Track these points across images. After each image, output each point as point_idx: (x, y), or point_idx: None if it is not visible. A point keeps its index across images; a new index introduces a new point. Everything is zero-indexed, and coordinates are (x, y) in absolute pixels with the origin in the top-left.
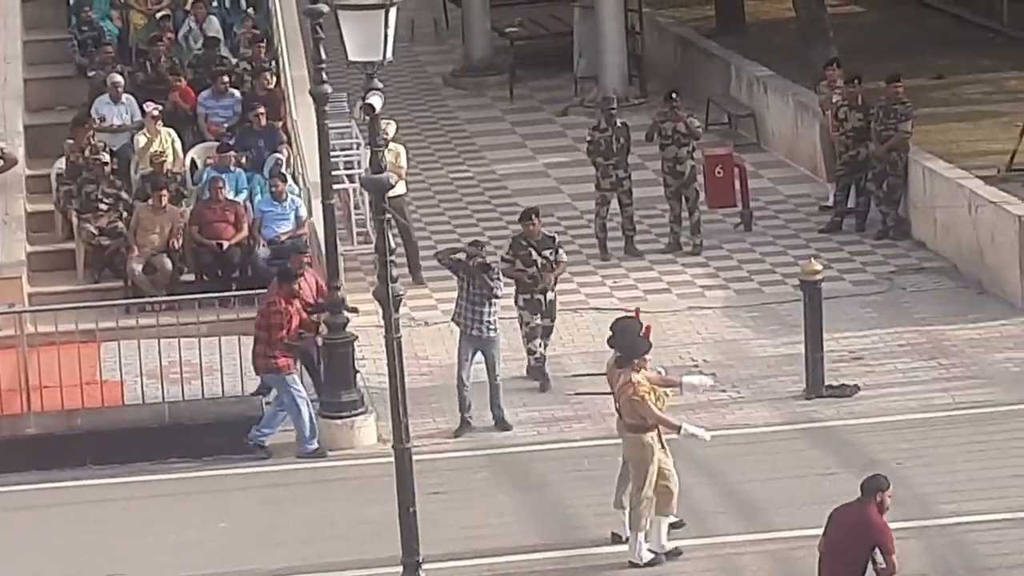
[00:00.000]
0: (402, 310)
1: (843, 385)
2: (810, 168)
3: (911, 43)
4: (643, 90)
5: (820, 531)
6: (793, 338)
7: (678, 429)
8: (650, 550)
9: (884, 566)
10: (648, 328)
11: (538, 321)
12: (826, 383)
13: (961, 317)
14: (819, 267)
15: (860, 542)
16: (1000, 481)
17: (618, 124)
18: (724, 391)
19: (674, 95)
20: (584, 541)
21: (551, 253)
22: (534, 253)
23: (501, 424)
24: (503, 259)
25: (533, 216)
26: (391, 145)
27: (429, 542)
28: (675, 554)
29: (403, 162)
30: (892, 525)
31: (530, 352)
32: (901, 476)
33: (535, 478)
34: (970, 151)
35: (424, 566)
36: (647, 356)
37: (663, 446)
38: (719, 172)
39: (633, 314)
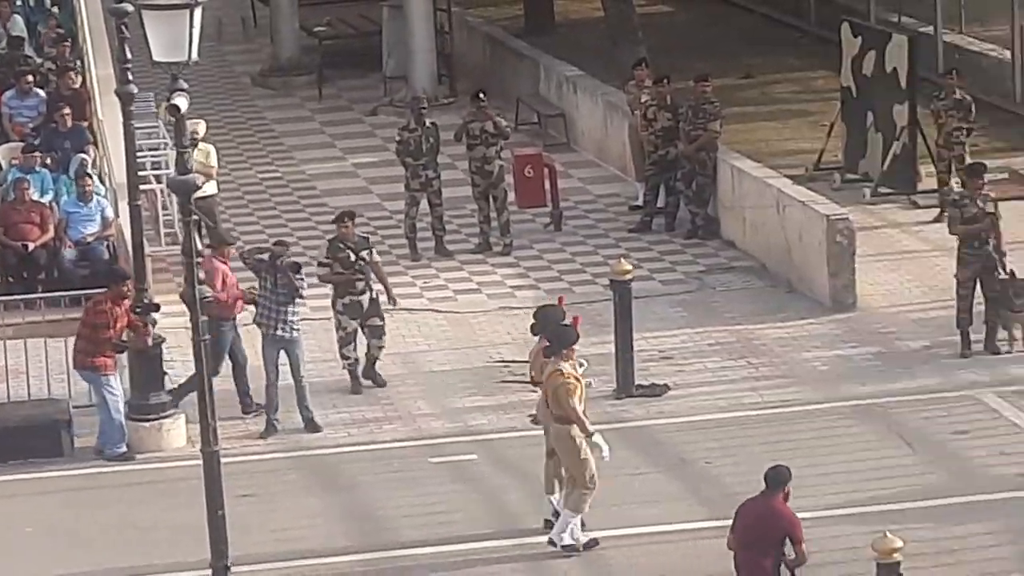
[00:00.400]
0: None
1: (653, 385)
2: (620, 168)
3: (720, 42)
4: (452, 89)
5: (632, 530)
6: (603, 338)
7: (589, 435)
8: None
9: (794, 556)
10: (577, 319)
11: (355, 325)
12: (636, 383)
13: (770, 316)
14: (629, 267)
15: (770, 534)
16: (809, 480)
17: (427, 124)
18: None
19: (481, 95)
20: (394, 543)
21: (367, 254)
22: (352, 255)
23: (311, 426)
24: (320, 263)
25: (347, 219)
26: (201, 145)
27: (238, 545)
28: (593, 544)
29: (213, 162)
30: (701, 524)
31: (344, 357)
32: (711, 475)
33: (345, 480)
34: (778, 150)
35: (233, 569)
36: (575, 347)
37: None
38: (529, 172)
39: (557, 302)
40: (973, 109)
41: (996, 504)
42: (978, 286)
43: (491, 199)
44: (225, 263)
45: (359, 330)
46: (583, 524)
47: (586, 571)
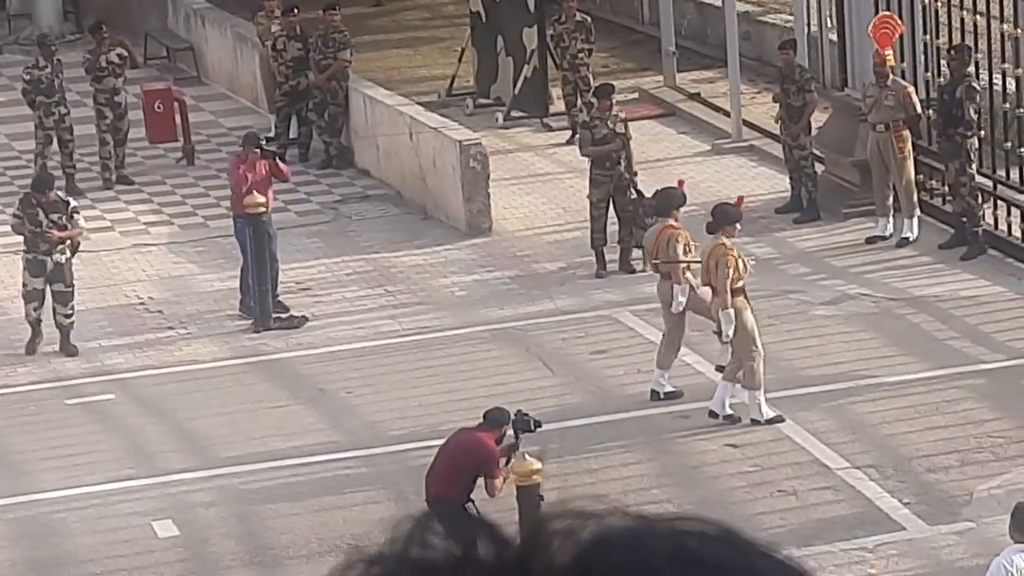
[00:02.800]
0: None
1: (291, 316)
2: (251, 100)
3: None
4: (79, 26)
5: (264, 465)
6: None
7: (724, 308)
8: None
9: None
10: (740, 199)
11: (39, 284)
12: (274, 315)
13: (407, 244)
14: (262, 199)
15: (471, 463)
16: (447, 405)
17: (56, 60)
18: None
19: (103, 26)
20: (31, 487)
21: (60, 217)
22: (41, 214)
23: None
24: (14, 215)
25: (45, 188)
26: None
27: None
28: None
29: None
30: (342, 454)
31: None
32: (351, 405)
33: None
34: (410, 77)
35: None
36: (738, 225)
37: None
38: (159, 107)
39: (678, 186)
40: (593, 30)
41: (634, 421)
42: (611, 206)
43: (117, 131)
44: None
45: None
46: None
47: (233, 508)
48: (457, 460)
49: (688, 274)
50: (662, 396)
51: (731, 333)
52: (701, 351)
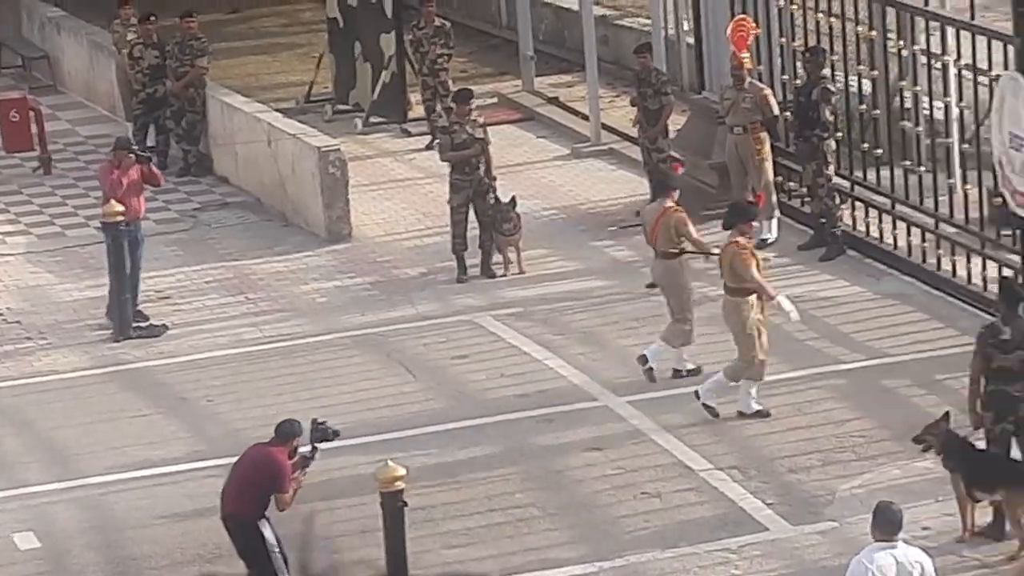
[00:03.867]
0: None
1: (151, 325)
2: (108, 108)
3: None
4: None
5: (134, 473)
6: (99, 281)
7: (772, 299)
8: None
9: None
10: (760, 196)
11: None
12: (134, 324)
13: (267, 251)
14: (120, 208)
15: (261, 478)
16: (309, 413)
17: None
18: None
19: None
20: None
21: None
22: None
23: None
24: None
25: None
26: None
27: None
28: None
29: None
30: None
31: None
32: (212, 413)
33: None
34: (269, 84)
35: None
36: (754, 223)
37: (762, 310)
38: (14, 116)
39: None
40: (452, 35)
41: (498, 426)
42: (471, 211)
43: None
44: None
45: None
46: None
47: (93, 517)
48: (249, 476)
49: (686, 256)
50: (684, 374)
51: (796, 315)
52: (564, 354)
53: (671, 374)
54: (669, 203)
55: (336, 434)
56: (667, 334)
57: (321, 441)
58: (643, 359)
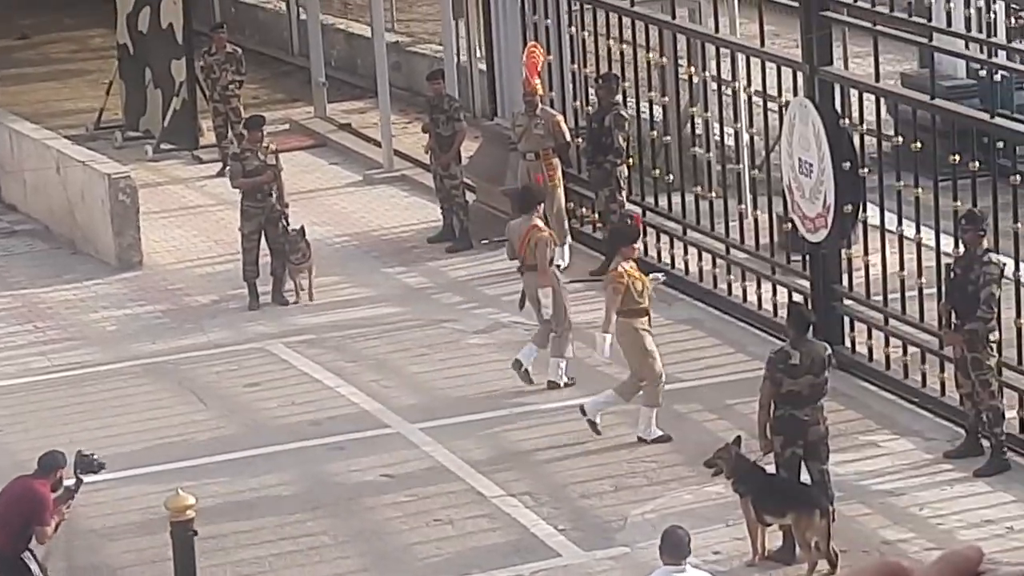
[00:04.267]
0: None
1: None
2: None
3: None
4: None
5: None
6: None
7: (605, 330)
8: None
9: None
10: (637, 217)
11: None
12: None
13: (56, 279)
14: None
15: (22, 512)
16: (99, 442)
17: None
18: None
19: None
20: None
21: None
22: None
23: None
24: None
25: None
26: None
27: None
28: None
29: None
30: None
31: None
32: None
33: None
34: (58, 111)
35: None
36: (635, 245)
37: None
38: None
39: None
40: (244, 61)
41: (290, 454)
42: (263, 238)
43: None
44: None
45: None
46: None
47: None
48: (11, 509)
49: (552, 270)
50: (562, 386)
51: (605, 353)
52: (356, 381)
53: (546, 384)
54: (535, 220)
55: (102, 466)
56: (539, 338)
57: (87, 473)
58: (517, 363)
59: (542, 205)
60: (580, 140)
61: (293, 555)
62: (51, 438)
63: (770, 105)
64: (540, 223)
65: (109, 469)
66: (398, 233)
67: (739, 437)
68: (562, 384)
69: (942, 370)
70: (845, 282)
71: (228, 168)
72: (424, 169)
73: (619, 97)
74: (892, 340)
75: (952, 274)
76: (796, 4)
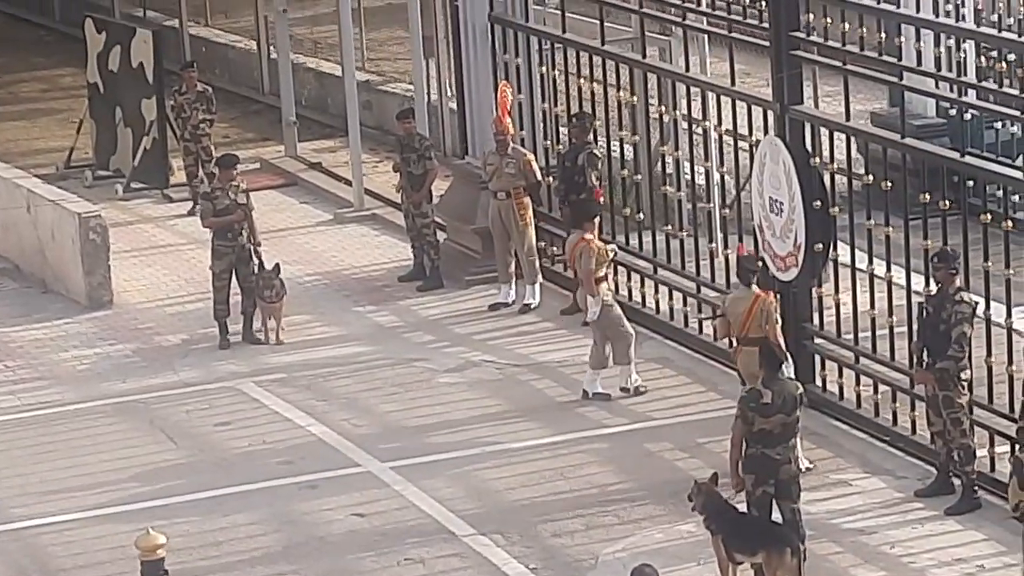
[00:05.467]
0: None
1: None
2: None
3: None
4: None
5: None
6: None
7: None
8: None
9: None
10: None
11: None
12: None
13: (26, 318)
14: None
15: None
16: (69, 482)
17: None
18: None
19: None
20: None
21: None
22: None
23: None
24: None
25: None
26: None
27: None
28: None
29: None
30: None
31: None
32: None
33: None
34: (28, 149)
35: None
36: (595, 219)
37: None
38: None
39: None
40: (214, 100)
41: (261, 493)
42: (233, 277)
43: None
44: None
45: None
46: None
47: None
48: None
49: (603, 286)
50: (591, 396)
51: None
52: (327, 420)
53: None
54: (586, 234)
55: None
56: (595, 360)
57: None
58: (585, 394)
59: (596, 219)
60: (551, 179)
61: None
62: (21, 477)
63: (740, 144)
64: (591, 235)
65: (79, 508)
66: (369, 272)
67: (715, 474)
68: (632, 390)
69: (913, 408)
70: (816, 320)
71: (199, 207)
72: (395, 208)
73: (591, 136)
74: (863, 378)
75: (924, 312)
76: (766, 43)
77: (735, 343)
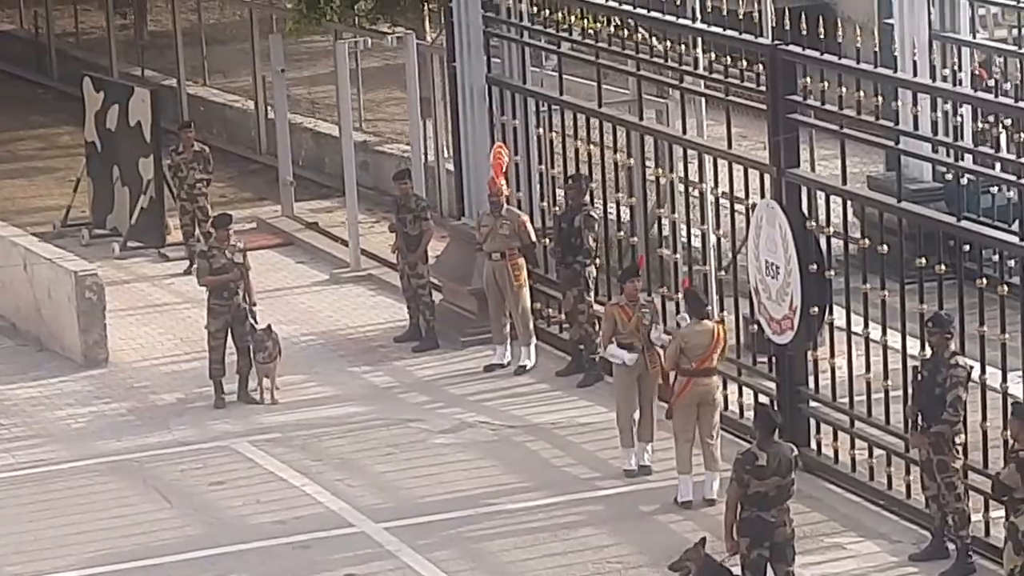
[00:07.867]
0: None
1: None
2: None
3: None
4: None
5: None
6: None
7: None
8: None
9: None
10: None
11: None
12: None
13: (21, 376)
14: None
15: None
16: (64, 540)
17: None
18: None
19: None
20: None
21: None
22: None
23: None
24: None
25: None
26: None
27: None
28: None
29: None
30: None
31: None
32: None
33: None
34: (25, 208)
35: None
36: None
37: None
38: None
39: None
40: (211, 160)
41: (255, 552)
42: (229, 336)
43: None
44: None
45: None
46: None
47: None
48: None
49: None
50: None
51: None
52: (321, 480)
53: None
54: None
55: None
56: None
57: None
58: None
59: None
60: (547, 240)
61: None
62: (16, 535)
63: (737, 207)
64: (623, 301)
65: (74, 566)
66: (364, 332)
67: (704, 538)
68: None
69: (908, 472)
70: (811, 384)
71: (195, 266)
72: (391, 268)
73: (588, 198)
74: (858, 442)
75: (919, 376)
76: (763, 106)
77: (676, 378)
